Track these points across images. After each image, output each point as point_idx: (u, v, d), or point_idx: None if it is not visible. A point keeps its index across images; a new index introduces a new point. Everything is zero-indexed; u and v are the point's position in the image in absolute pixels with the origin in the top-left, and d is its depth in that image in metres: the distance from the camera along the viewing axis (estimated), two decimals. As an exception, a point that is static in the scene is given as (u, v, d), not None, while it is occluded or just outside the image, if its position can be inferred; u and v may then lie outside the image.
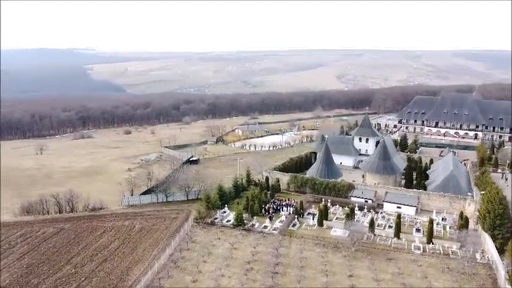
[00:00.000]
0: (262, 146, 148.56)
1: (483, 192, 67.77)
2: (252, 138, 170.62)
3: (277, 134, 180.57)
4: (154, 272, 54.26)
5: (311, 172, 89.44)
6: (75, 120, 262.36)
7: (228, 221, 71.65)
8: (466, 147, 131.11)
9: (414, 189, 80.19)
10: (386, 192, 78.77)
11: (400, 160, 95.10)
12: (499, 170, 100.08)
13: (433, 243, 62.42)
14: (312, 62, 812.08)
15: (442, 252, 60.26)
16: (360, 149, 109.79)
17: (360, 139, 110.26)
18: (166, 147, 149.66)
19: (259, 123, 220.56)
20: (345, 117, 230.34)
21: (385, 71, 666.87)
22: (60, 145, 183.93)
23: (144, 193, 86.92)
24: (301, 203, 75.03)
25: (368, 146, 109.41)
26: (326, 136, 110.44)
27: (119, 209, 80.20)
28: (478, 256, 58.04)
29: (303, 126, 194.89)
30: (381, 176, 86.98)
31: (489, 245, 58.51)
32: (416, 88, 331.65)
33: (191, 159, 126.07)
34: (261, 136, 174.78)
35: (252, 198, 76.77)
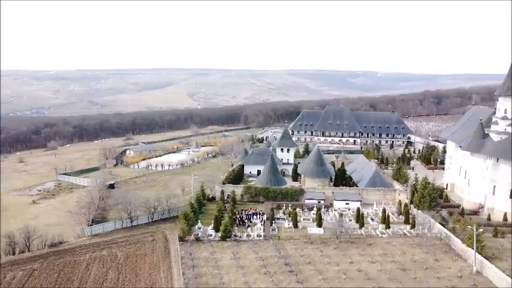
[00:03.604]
0: (169, 165, 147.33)
1: (414, 182, 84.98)
2: (151, 158, 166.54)
3: (174, 152, 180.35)
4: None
5: (260, 182, 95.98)
6: None
7: (210, 235, 73.09)
8: (351, 152, 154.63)
9: (355, 187, 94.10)
10: (333, 192, 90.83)
11: (329, 165, 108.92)
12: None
13: (390, 228, 76.02)
14: (159, 81, 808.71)
15: (402, 233, 74.12)
16: (282, 159, 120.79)
17: (282, 149, 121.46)
18: (65, 174, 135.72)
19: (144, 142, 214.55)
20: (226, 133, 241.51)
21: (232, 89, 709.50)
22: None
23: (97, 222, 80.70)
24: (272, 210, 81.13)
25: (289, 156, 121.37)
26: (272, 149, 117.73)
27: (83, 240, 73.23)
28: (427, 232, 73.31)
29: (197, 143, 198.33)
30: (319, 180, 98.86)
31: (434, 223, 74.49)
32: (272, 104, 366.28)
33: (107, 183, 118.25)
34: (160, 155, 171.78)
35: (220, 211, 79.44)
